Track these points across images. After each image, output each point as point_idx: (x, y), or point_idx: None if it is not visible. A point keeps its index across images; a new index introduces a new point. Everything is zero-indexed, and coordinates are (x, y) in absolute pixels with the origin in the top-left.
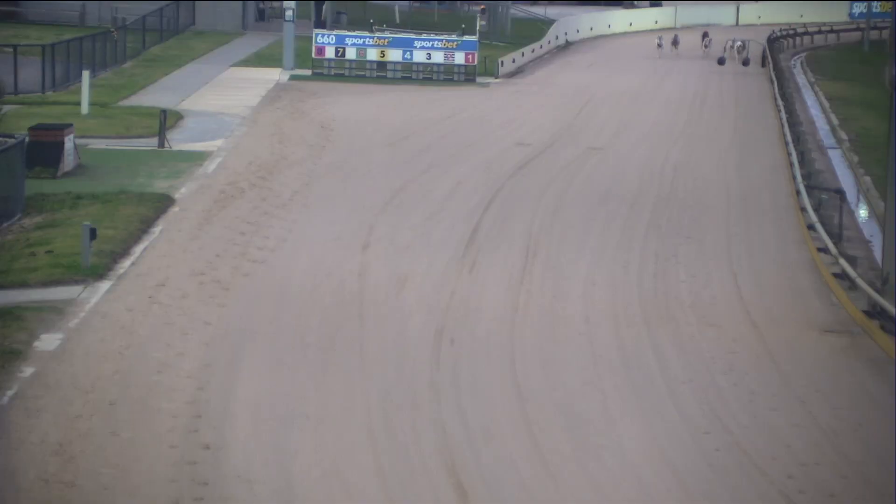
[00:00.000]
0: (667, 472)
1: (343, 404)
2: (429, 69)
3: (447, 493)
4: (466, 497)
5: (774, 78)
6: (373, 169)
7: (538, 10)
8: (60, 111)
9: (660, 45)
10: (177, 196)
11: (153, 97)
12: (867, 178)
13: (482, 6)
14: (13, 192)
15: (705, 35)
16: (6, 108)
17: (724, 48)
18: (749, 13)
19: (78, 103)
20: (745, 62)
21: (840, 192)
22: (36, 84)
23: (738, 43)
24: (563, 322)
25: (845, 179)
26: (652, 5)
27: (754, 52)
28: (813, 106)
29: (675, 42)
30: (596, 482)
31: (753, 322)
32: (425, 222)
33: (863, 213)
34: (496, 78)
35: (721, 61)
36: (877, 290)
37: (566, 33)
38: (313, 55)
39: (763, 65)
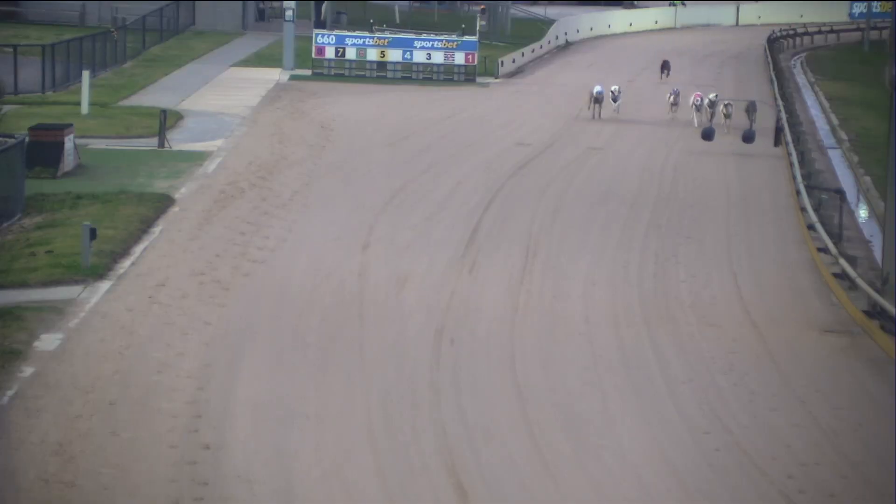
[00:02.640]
0: (667, 472)
1: (343, 404)
2: (429, 69)
3: (447, 493)
4: (466, 497)
5: (775, 78)
6: (373, 169)
7: (538, 10)
8: (60, 111)
9: (597, 101)
10: (177, 196)
11: (153, 97)
12: (867, 178)
13: (482, 6)
14: (13, 192)
15: (665, 68)
16: (6, 108)
17: (709, 109)
18: (749, 13)
19: (78, 103)
20: (748, 136)
21: (840, 192)
22: (36, 84)
23: (740, 104)
24: (563, 322)
25: (845, 179)
26: (671, 4)
27: (757, 117)
28: (813, 106)
29: (606, 98)
30: (596, 482)
31: (753, 322)
32: (425, 222)
33: (863, 213)
34: (496, 78)
35: (708, 134)
36: (877, 290)
37: (566, 33)
38: (313, 55)
39: (778, 142)
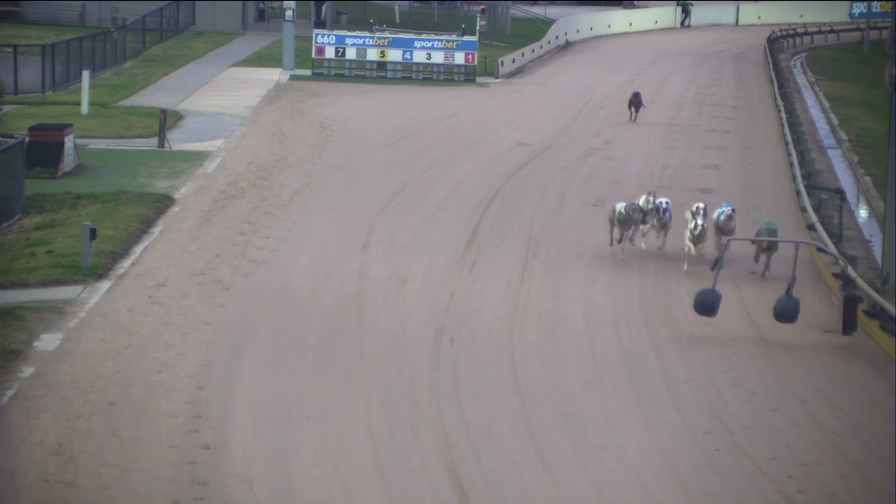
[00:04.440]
0: (667, 472)
1: (343, 404)
2: (429, 69)
3: (447, 494)
4: (466, 497)
5: (775, 78)
6: (373, 169)
7: (538, 10)
8: (60, 111)
9: (622, 224)
10: (177, 196)
11: (153, 97)
12: (867, 178)
13: (482, 6)
14: (13, 192)
15: (634, 104)
16: (6, 108)
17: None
18: (749, 13)
19: (78, 103)
20: (786, 311)
21: (840, 192)
22: (36, 84)
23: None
24: (563, 322)
25: (845, 179)
26: (679, 4)
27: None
28: (813, 106)
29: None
30: (596, 482)
31: (753, 322)
32: (425, 222)
33: (863, 213)
34: (496, 78)
35: (706, 306)
36: (877, 290)
37: (566, 33)
38: (313, 55)
39: (851, 325)
